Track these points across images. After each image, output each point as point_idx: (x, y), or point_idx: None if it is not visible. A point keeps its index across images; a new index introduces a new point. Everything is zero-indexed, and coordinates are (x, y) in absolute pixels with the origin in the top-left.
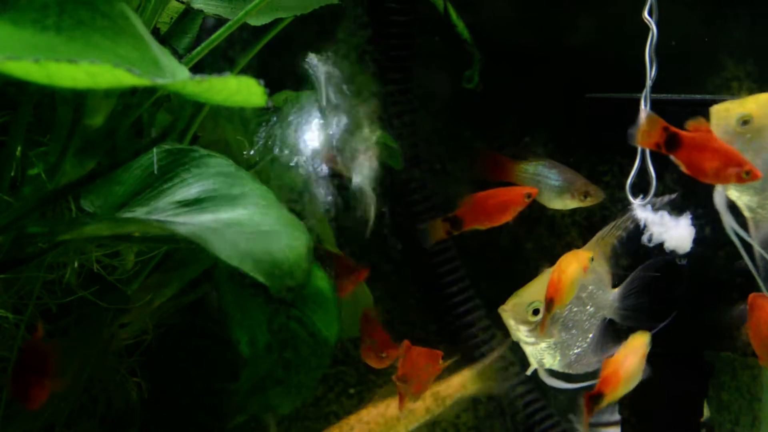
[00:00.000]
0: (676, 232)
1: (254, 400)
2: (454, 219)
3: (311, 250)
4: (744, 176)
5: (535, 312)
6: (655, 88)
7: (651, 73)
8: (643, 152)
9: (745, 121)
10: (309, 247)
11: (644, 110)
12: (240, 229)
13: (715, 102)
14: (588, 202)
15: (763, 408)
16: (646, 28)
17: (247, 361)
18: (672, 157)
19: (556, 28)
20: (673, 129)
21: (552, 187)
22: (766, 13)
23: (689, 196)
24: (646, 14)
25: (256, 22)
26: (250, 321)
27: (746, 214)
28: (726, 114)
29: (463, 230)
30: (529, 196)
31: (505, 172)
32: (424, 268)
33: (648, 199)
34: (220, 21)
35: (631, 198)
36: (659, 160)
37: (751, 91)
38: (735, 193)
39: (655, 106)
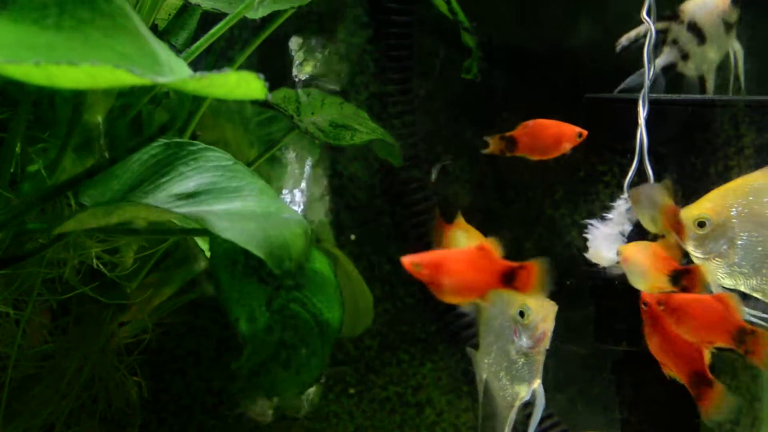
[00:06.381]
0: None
1: (258, 382)
2: (510, 139)
3: (308, 233)
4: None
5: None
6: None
7: (650, 73)
8: (641, 152)
9: None
10: (306, 229)
11: (641, 113)
12: (237, 215)
13: (715, 102)
14: None
15: (763, 408)
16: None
17: (247, 340)
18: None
19: (556, 28)
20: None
21: None
22: (766, 13)
23: (690, 195)
24: (644, 14)
25: (254, 15)
26: (249, 300)
27: None
28: None
29: (514, 154)
30: (580, 135)
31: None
32: None
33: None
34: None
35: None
36: (658, 160)
37: (750, 92)
38: None
39: (655, 106)
